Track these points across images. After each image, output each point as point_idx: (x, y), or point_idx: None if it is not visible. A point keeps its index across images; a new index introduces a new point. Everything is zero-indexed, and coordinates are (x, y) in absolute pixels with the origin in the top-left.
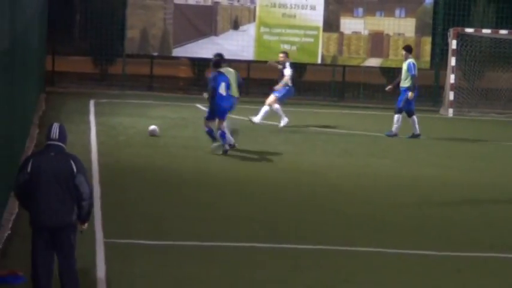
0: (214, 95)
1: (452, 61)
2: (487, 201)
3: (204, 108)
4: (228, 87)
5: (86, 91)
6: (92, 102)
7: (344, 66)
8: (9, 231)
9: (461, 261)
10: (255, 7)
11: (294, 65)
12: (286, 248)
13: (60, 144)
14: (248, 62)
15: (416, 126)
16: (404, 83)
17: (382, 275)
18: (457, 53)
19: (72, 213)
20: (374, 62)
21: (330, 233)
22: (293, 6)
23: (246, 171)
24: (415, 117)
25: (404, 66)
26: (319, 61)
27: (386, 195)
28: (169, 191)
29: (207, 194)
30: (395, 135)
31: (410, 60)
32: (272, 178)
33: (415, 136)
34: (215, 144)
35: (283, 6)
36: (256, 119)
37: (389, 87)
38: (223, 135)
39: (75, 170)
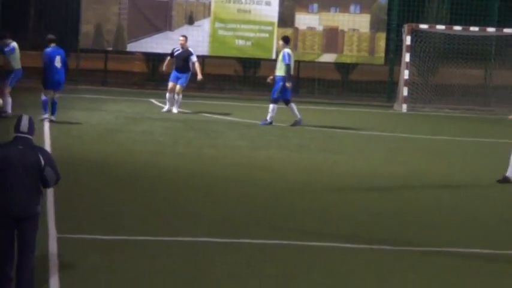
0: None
1: (407, 57)
2: (440, 193)
3: (158, 103)
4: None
5: (39, 86)
6: (43, 97)
7: (299, 62)
8: None
9: (415, 256)
10: (210, 2)
11: (248, 61)
12: (240, 243)
13: (28, 136)
14: (203, 57)
15: (296, 112)
16: (279, 71)
17: (336, 269)
18: (411, 48)
19: (38, 204)
20: (329, 57)
21: (284, 228)
22: (248, 1)
23: (201, 166)
24: (292, 104)
25: (280, 56)
26: (273, 56)
27: (340, 190)
28: (123, 186)
29: (162, 189)
30: (270, 123)
31: (286, 50)
32: (227, 173)
33: (297, 123)
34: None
35: (238, 1)
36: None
37: (270, 78)
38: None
39: (42, 163)
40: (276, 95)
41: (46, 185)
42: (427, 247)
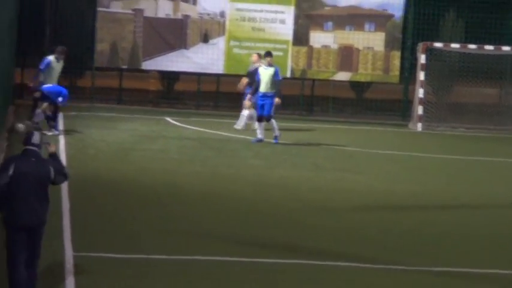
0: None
1: (421, 75)
2: (460, 213)
3: (173, 121)
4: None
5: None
6: (60, 115)
7: (313, 80)
8: None
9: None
10: (224, 21)
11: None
12: (257, 262)
13: (38, 150)
14: (218, 76)
15: (262, 130)
16: (271, 88)
17: None
18: (426, 67)
19: (47, 213)
20: (343, 76)
21: (301, 247)
22: (263, 20)
23: (217, 185)
24: (273, 120)
25: (271, 72)
26: (288, 75)
27: (355, 209)
28: (139, 204)
29: (177, 208)
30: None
31: (276, 66)
32: (242, 192)
33: (259, 140)
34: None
35: (253, 20)
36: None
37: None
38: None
39: (52, 174)
40: (273, 111)
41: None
42: (446, 267)
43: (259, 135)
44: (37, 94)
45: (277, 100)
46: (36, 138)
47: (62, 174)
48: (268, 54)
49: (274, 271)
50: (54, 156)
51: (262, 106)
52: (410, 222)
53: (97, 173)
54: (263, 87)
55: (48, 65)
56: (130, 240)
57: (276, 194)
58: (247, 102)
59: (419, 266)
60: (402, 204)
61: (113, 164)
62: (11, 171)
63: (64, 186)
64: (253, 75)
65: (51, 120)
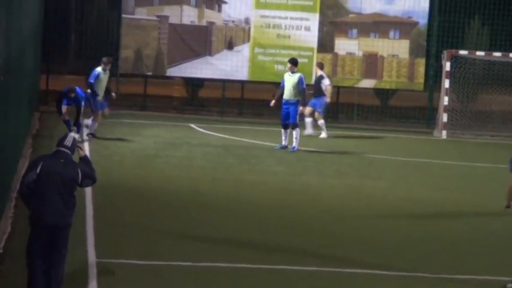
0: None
1: (446, 83)
2: (481, 220)
3: (197, 128)
4: None
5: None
6: (84, 122)
7: (338, 87)
8: (1, 251)
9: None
10: (249, 28)
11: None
12: (278, 269)
13: (69, 152)
14: (242, 82)
15: (286, 138)
16: (294, 96)
17: None
18: (451, 75)
19: (72, 215)
20: (368, 83)
21: (322, 254)
22: (287, 27)
23: (241, 192)
24: (298, 129)
25: (295, 80)
26: (313, 82)
27: (380, 217)
28: (162, 211)
29: (201, 215)
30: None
31: (300, 74)
32: (266, 198)
33: (283, 147)
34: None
35: (278, 27)
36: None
37: (273, 102)
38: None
39: (80, 178)
40: (297, 119)
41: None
42: (467, 275)
43: (284, 142)
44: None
45: (301, 109)
46: (69, 140)
47: (90, 178)
48: (290, 61)
49: (295, 278)
50: (85, 160)
51: (286, 114)
52: (430, 229)
53: (121, 180)
54: (286, 94)
55: (97, 77)
56: (153, 246)
57: (299, 201)
58: (307, 109)
59: (439, 274)
60: (423, 212)
61: (137, 171)
62: (38, 169)
63: (88, 193)
64: (316, 84)
65: (73, 125)
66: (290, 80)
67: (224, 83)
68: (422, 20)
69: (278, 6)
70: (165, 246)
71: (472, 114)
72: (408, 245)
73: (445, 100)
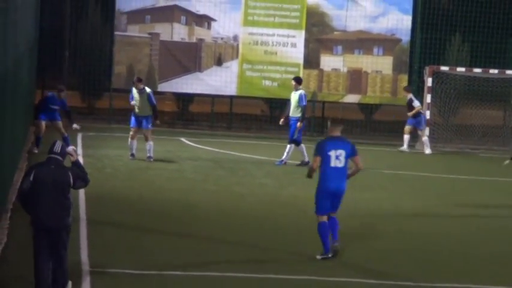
0: None
1: (428, 98)
2: (462, 229)
3: (188, 141)
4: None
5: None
6: (79, 135)
7: (323, 102)
8: None
9: None
10: (238, 44)
11: (275, 101)
12: (270, 278)
13: (59, 158)
14: (231, 97)
15: (305, 153)
16: (296, 112)
17: None
18: (433, 90)
19: (69, 217)
20: (352, 98)
21: (311, 264)
22: (275, 43)
23: (230, 204)
24: (303, 145)
25: (296, 97)
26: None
27: (365, 227)
28: (154, 222)
29: (192, 225)
30: (285, 163)
31: (302, 91)
32: (255, 210)
33: (304, 163)
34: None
35: (265, 43)
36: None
37: (282, 120)
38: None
39: (71, 181)
40: (295, 135)
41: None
42: (446, 283)
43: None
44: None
45: (298, 124)
46: (58, 147)
47: (82, 179)
48: (294, 79)
49: (285, 287)
50: (77, 164)
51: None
52: (414, 239)
53: (114, 192)
54: (291, 111)
55: (132, 97)
56: (145, 256)
57: (287, 212)
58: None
59: (420, 282)
60: (407, 222)
61: (130, 183)
62: (31, 177)
63: (82, 204)
64: (408, 105)
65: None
66: (293, 98)
67: (213, 98)
68: (405, 37)
69: (265, 24)
70: (157, 256)
71: (453, 127)
72: (394, 253)
73: (427, 114)
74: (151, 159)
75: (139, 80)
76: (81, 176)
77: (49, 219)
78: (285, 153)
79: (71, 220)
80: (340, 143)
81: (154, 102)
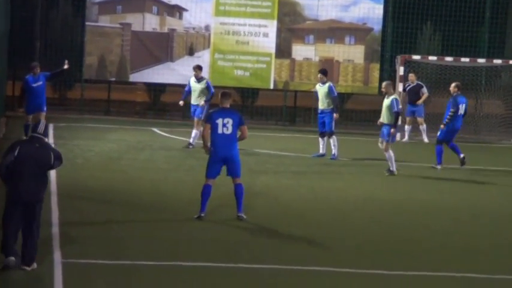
0: None
1: (400, 87)
2: (430, 219)
3: (159, 132)
4: None
5: (45, 115)
6: (51, 126)
7: (295, 92)
8: None
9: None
10: (209, 34)
11: (247, 90)
12: (240, 268)
13: (42, 137)
14: None
15: (333, 146)
16: (327, 104)
17: None
18: (404, 79)
19: (43, 191)
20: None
21: (281, 253)
22: (246, 33)
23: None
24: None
25: (325, 90)
26: (271, 86)
27: (337, 216)
28: (126, 212)
29: (164, 215)
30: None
31: (330, 83)
32: (226, 199)
33: (334, 156)
34: None
35: (237, 33)
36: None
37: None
38: None
39: (52, 159)
40: (332, 127)
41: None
42: (420, 271)
43: (321, 151)
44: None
45: (335, 116)
46: (41, 127)
47: (59, 159)
48: (321, 71)
49: (256, 276)
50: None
51: (322, 123)
52: (386, 228)
53: (85, 182)
54: (321, 104)
55: (190, 88)
56: (117, 246)
57: (259, 202)
58: (407, 118)
59: (395, 271)
60: (379, 211)
61: (101, 173)
62: (16, 152)
63: (53, 195)
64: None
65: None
66: (321, 90)
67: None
68: (377, 26)
69: (237, 14)
70: (129, 246)
71: (425, 116)
72: (365, 243)
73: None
74: (191, 147)
75: (200, 68)
76: (59, 156)
77: (27, 194)
78: (333, 147)
79: (44, 194)
80: (228, 113)
81: (213, 91)
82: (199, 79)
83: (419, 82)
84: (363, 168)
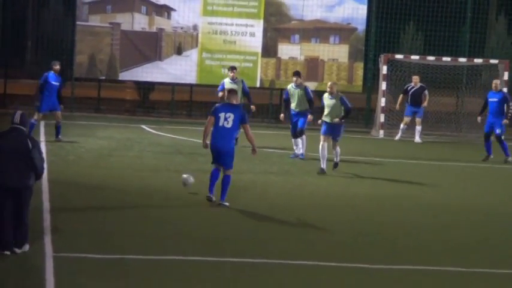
0: None
1: (383, 85)
2: (418, 215)
3: (148, 129)
4: None
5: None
6: (42, 123)
7: (281, 90)
8: None
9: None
10: (197, 34)
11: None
12: (226, 262)
13: (20, 127)
14: (191, 86)
15: (301, 146)
16: (303, 106)
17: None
18: (388, 77)
19: (29, 178)
20: (310, 86)
21: (268, 248)
22: (233, 33)
23: (187, 190)
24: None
25: (301, 92)
26: (257, 85)
27: (322, 212)
28: (116, 208)
29: (153, 210)
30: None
31: (306, 85)
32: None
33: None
34: None
35: (224, 33)
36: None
37: (282, 116)
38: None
39: (30, 146)
40: (305, 127)
41: (34, 166)
42: (404, 265)
43: (296, 151)
44: None
45: (309, 117)
46: (17, 117)
47: (37, 147)
48: (295, 73)
49: (241, 269)
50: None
51: (296, 124)
52: (369, 224)
53: (76, 178)
54: (296, 106)
55: (223, 86)
56: (108, 241)
57: (246, 197)
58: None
59: (376, 265)
60: (361, 206)
61: (91, 170)
62: None
63: (45, 190)
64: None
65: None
66: (297, 92)
67: (174, 86)
68: (361, 26)
69: (224, 14)
70: (119, 241)
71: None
72: (351, 237)
73: (382, 101)
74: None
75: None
76: (37, 145)
77: (10, 180)
78: (301, 147)
79: (31, 182)
80: (232, 108)
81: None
82: (234, 79)
83: (423, 84)
84: (345, 165)
